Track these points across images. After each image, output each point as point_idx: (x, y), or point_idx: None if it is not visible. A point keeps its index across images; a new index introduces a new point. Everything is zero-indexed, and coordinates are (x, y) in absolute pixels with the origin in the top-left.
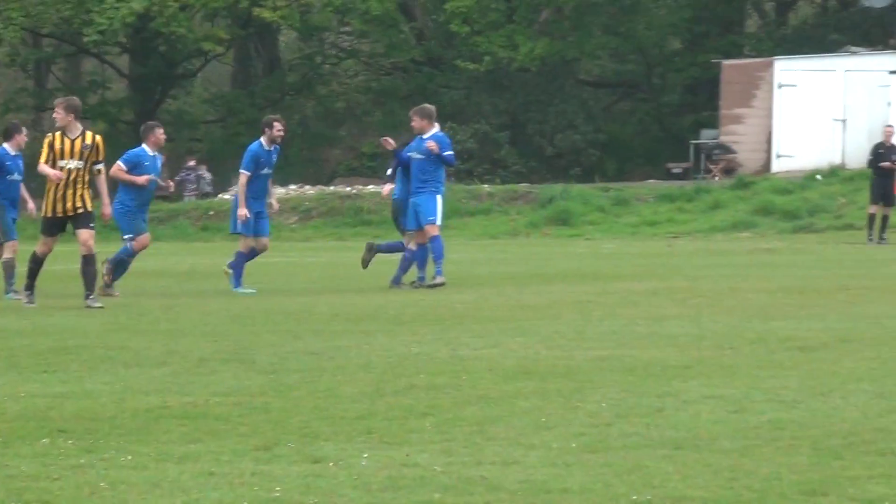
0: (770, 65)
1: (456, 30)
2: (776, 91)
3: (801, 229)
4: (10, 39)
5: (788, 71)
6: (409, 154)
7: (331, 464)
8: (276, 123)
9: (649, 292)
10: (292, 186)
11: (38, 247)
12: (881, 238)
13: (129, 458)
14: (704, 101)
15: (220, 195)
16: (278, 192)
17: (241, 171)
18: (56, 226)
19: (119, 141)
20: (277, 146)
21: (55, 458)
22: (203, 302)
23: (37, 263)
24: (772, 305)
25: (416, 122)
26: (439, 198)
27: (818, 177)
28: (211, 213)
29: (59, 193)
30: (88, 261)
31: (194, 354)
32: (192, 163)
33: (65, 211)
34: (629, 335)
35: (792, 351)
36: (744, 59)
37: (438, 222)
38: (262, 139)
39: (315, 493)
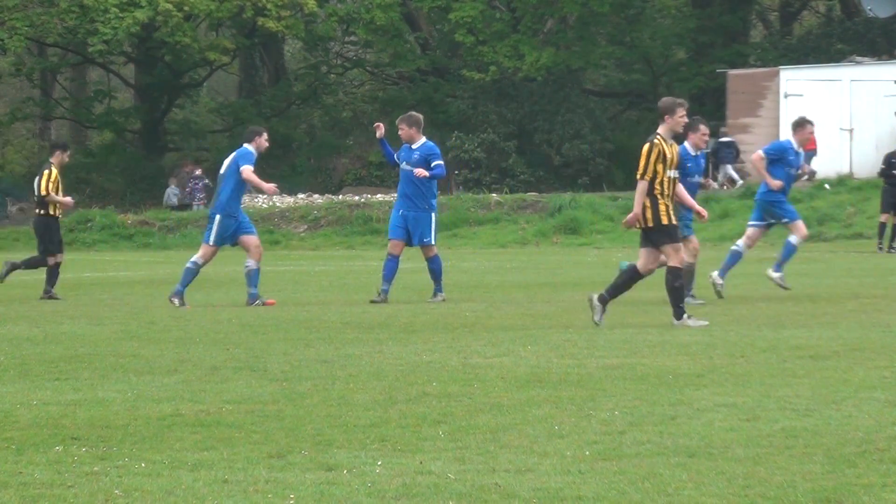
0: (776, 75)
1: (461, 40)
2: (783, 101)
3: (810, 238)
4: (14, 49)
5: (794, 81)
6: (400, 164)
7: (345, 471)
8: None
9: (660, 301)
10: (301, 195)
11: (673, 259)
12: (891, 247)
13: (143, 465)
14: (711, 111)
15: None
16: (287, 200)
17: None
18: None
19: (125, 150)
20: None
21: (69, 466)
22: (213, 310)
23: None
24: (783, 314)
25: (405, 132)
26: (434, 216)
27: (826, 186)
28: None
29: (667, 203)
30: (676, 274)
31: (206, 362)
32: (198, 171)
33: (670, 219)
34: (641, 344)
35: (804, 359)
36: (749, 69)
37: (434, 242)
38: None
39: (329, 501)
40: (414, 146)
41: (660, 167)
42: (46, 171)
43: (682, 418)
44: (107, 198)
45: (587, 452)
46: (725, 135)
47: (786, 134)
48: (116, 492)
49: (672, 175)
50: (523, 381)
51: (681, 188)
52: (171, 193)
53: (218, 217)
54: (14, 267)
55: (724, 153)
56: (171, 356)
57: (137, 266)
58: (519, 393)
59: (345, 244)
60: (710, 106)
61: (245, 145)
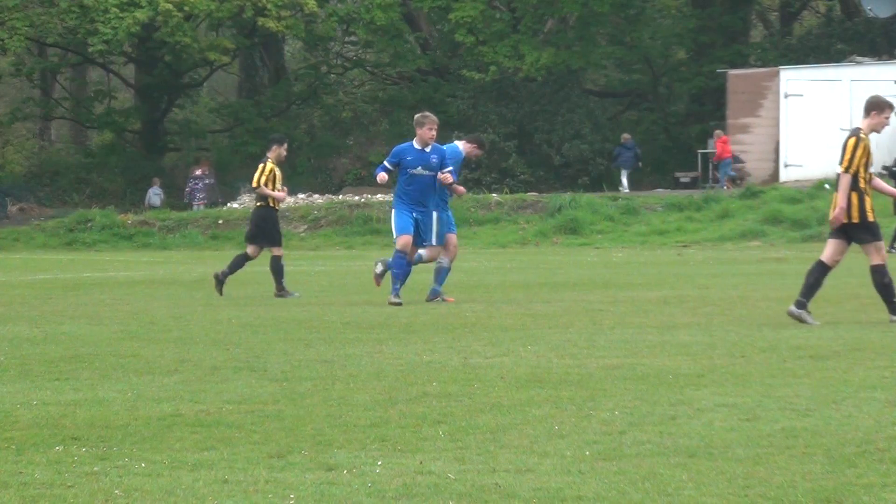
0: (776, 75)
1: (461, 40)
2: (783, 101)
3: (811, 238)
4: (14, 49)
5: (794, 81)
6: (411, 169)
7: (345, 471)
8: None
9: (660, 301)
10: (301, 195)
11: (875, 258)
12: (892, 247)
13: (143, 465)
14: (711, 111)
15: (229, 204)
16: (288, 200)
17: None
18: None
19: (125, 150)
20: None
21: (69, 466)
22: (213, 310)
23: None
24: (783, 314)
25: (435, 132)
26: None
27: (826, 186)
28: (220, 221)
29: (871, 199)
30: (882, 272)
31: (206, 362)
32: (198, 171)
33: (875, 217)
34: (641, 344)
35: (804, 359)
36: (750, 69)
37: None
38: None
39: (329, 501)
40: (427, 149)
41: (863, 162)
42: (262, 165)
43: (682, 418)
44: (107, 198)
45: (587, 452)
46: (628, 140)
47: (786, 133)
48: (116, 492)
49: (872, 171)
50: (523, 381)
51: (878, 181)
52: (153, 194)
53: (435, 214)
54: (224, 278)
55: (624, 157)
56: (171, 356)
57: (137, 266)
58: (519, 393)
59: (345, 244)
60: (710, 106)
61: (457, 142)
